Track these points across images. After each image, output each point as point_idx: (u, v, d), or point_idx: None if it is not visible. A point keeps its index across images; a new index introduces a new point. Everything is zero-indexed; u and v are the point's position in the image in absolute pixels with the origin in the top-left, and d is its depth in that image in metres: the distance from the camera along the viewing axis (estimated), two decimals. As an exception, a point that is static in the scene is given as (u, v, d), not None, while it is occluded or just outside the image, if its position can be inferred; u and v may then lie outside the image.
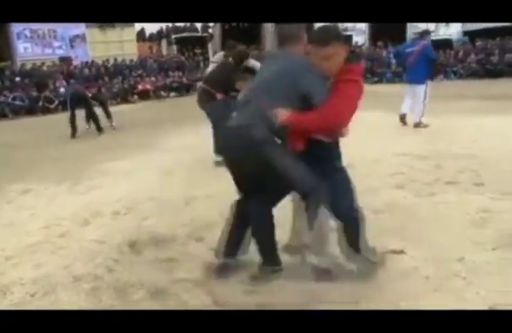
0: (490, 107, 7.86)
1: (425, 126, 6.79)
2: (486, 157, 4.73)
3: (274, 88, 2.29)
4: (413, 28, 19.70)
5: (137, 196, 4.03)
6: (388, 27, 16.92)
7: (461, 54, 17.04)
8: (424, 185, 3.09)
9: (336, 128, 2.33)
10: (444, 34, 20.36)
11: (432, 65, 7.08)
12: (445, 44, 17.12)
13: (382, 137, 6.15)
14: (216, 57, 6.26)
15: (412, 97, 7.01)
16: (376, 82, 16.26)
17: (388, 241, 2.90)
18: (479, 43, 17.63)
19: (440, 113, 7.25)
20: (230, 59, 5.16)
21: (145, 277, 2.63)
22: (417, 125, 6.88)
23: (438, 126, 6.72)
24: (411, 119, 6.98)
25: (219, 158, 5.18)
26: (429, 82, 6.94)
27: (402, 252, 2.77)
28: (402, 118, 7.04)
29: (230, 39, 5.55)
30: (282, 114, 2.24)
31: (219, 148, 4.52)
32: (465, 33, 19.07)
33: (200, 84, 6.44)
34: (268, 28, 19.13)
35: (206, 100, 5.05)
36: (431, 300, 2.26)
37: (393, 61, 15.89)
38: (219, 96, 4.89)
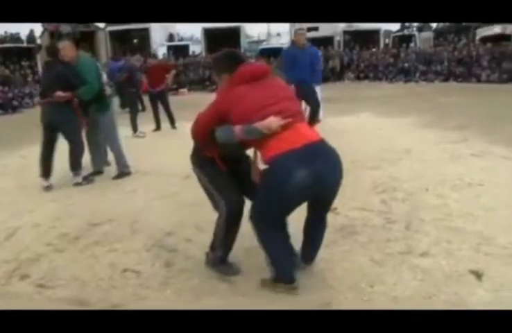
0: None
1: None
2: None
3: None
4: (247, 38, 20.71)
5: None
6: (222, 36, 17.52)
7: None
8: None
9: (194, 137, 2.37)
10: (276, 43, 21.75)
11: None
12: (276, 52, 18.22)
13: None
14: None
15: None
16: (214, 90, 16.63)
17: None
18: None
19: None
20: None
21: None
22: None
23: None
24: None
25: (46, 183, 4.53)
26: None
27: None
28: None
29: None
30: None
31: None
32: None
33: None
34: (101, 34, 18.70)
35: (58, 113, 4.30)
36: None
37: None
38: (58, 93, 4.14)
